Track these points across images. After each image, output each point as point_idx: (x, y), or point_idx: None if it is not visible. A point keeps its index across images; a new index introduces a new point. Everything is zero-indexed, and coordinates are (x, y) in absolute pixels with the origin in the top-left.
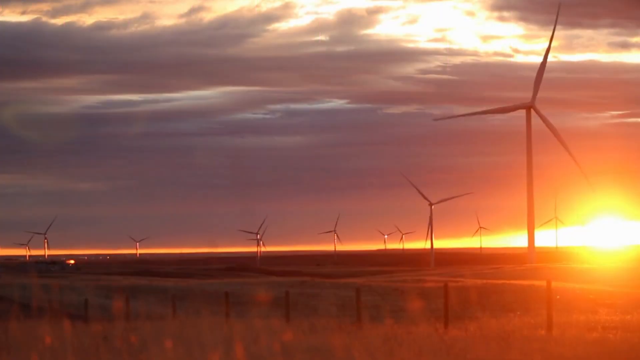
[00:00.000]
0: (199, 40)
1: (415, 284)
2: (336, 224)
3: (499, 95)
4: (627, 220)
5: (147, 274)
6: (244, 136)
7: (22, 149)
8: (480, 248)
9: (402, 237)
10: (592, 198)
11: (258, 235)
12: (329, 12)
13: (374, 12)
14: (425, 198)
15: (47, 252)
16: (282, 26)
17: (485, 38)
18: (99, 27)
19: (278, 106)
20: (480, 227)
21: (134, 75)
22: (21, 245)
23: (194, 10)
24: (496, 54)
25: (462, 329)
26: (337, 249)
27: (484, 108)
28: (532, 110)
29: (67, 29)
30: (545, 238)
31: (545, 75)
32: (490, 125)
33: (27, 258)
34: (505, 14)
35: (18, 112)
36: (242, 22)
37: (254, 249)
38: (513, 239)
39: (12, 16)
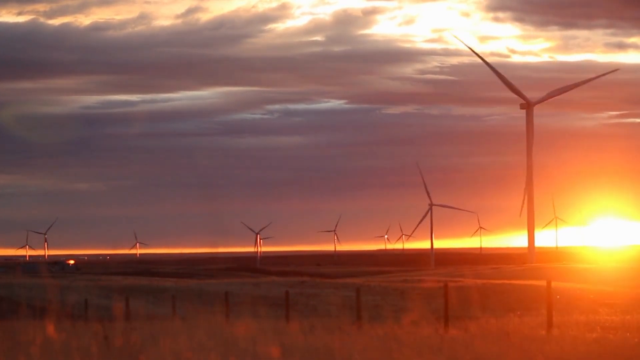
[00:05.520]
0: (196, 41)
1: (415, 284)
2: (336, 225)
3: (497, 95)
4: (627, 220)
5: (147, 274)
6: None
7: (22, 149)
8: (480, 248)
9: (402, 237)
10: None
11: (259, 236)
12: (325, 13)
13: (370, 12)
14: (429, 196)
15: (47, 252)
16: (279, 26)
17: (482, 39)
18: (96, 27)
19: (276, 106)
20: (480, 228)
21: (131, 75)
22: (21, 245)
23: (190, 11)
24: (493, 54)
25: (462, 329)
26: (337, 249)
27: (483, 108)
28: (532, 110)
29: (64, 29)
30: (545, 238)
31: (541, 75)
32: (490, 125)
33: (27, 258)
34: (500, 14)
35: (16, 112)
36: (238, 23)
37: (254, 248)
38: (513, 239)
39: (8, 17)
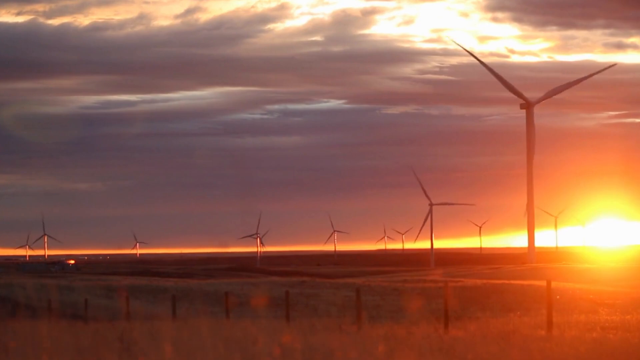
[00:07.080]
0: (195, 41)
1: (415, 284)
2: (338, 231)
3: (497, 95)
4: (627, 220)
5: (147, 274)
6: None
7: (22, 149)
8: (480, 248)
9: (402, 237)
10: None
11: (258, 236)
12: (324, 13)
13: (369, 12)
14: (428, 197)
15: (47, 252)
16: (278, 27)
17: (482, 39)
18: (95, 27)
19: (276, 106)
20: (479, 227)
21: (130, 75)
22: (22, 245)
23: (189, 11)
24: (492, 54)
25: (462, 329)
26: (337, 249)
27: (483, 108)
28: (531, 110)
29: (63, 29)
30: (545, 238)
31: (541, 75)
32: (490, 125)
33: (27, 258)
34: (499, 15)
35: (16, 112)
36: (238, 23)
37: (254, 249)
38: (513, 239)
39: (7, 17)
